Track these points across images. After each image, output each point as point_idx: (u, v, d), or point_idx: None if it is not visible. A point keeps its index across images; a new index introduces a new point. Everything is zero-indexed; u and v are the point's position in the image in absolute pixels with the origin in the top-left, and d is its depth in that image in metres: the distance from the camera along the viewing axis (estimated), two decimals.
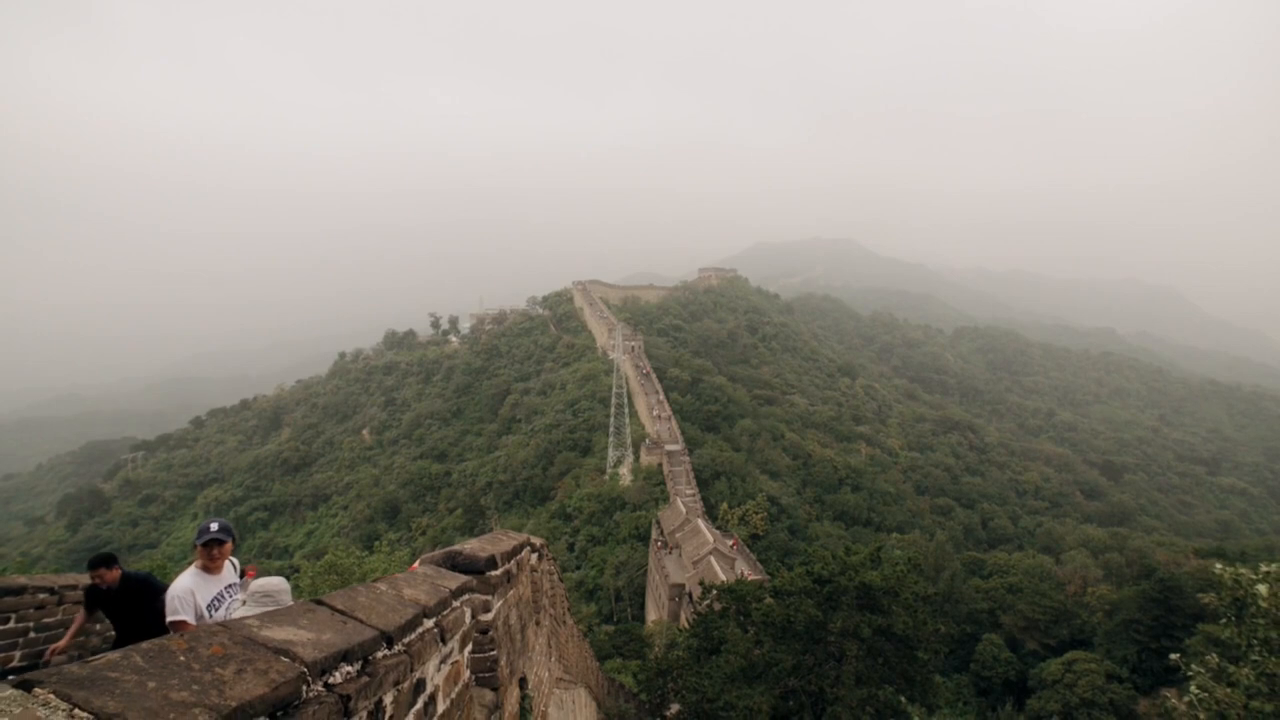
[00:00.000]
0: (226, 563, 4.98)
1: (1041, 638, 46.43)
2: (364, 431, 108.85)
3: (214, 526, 4.89)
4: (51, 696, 0.96)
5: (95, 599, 5.89)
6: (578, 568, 58.49)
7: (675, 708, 20.91)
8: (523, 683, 4.73)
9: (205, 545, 4.78)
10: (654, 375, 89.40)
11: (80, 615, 6.16)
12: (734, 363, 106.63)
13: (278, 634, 1.37)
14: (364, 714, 1.55)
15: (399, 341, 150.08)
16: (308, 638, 1.41)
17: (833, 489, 72.79)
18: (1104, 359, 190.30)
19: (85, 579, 6.25)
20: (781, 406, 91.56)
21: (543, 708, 5.79)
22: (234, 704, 1.07)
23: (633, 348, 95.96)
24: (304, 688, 1.28)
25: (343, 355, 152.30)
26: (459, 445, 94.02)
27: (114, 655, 1.11)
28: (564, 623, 10.03)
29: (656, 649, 32.17)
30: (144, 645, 1.13)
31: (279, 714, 1.20)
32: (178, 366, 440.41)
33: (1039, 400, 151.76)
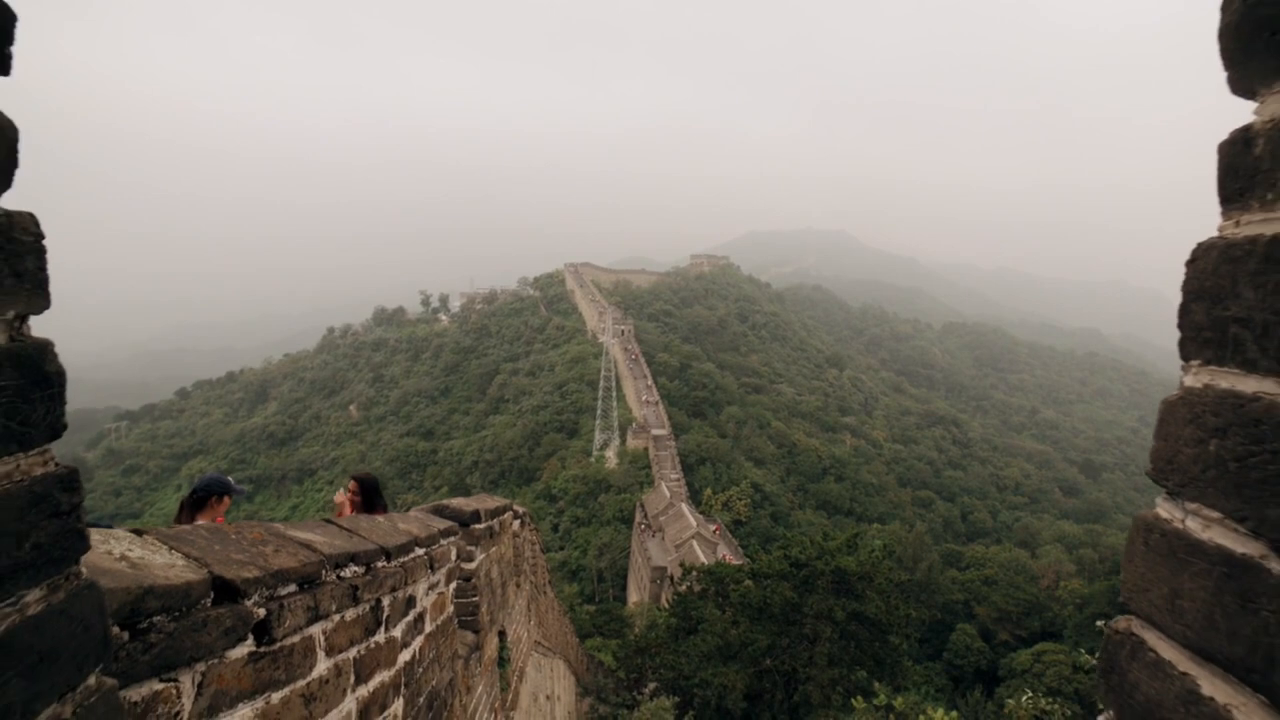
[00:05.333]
0: None
1: (1014, 629, 47.47)
2: (351, 407, 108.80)
3: (235, 482, 5.05)
4: (155, 540, 1.27)
5: None
6: (562, 548, 59.06)
7: (653, 685, 21.35)
8: (502, 635, 5.06)
9: (220, 500, 4.90)
10: (643, 360, 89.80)
11: None
12: (723, 350, 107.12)
13: (300, 534, 1.69)
14: (367, 606, 1.88)
15: (388, 318, 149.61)
16: (323, 540, 1.72)
17: (816, 478, 73.62)
18: (1088, 359, 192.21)
19: None
20: (769, 395, 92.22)
21: (520, 663, 6.12)
22: (275, 568, 1.38)
23: (623, 332, 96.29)
24: (323, 571, 1.59)
25: (331, 330, 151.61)
26: (446, 424, 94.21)
27: (185, 527, 1.41)
28: (544, 593, 10.38)
29: (637, 629, 32.67)
30: (202, 525, 1.47)
31: (305, 585, 1.52)
32: (163, 337, 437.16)
33: (1023, 398, 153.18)
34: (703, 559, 36.26)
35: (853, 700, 14.59)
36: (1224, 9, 0.64)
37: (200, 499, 4.80)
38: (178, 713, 1.13)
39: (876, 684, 16.05)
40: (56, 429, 0.76)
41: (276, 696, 1.42)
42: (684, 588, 25.05)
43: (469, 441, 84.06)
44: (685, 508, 52.21)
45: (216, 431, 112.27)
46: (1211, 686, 0.61)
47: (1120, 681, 0.76)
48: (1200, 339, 0.69)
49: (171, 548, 1.26)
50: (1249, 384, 0.60)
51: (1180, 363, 0.74)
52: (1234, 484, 0.61)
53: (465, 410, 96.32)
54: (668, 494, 56.25)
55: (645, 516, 52.99)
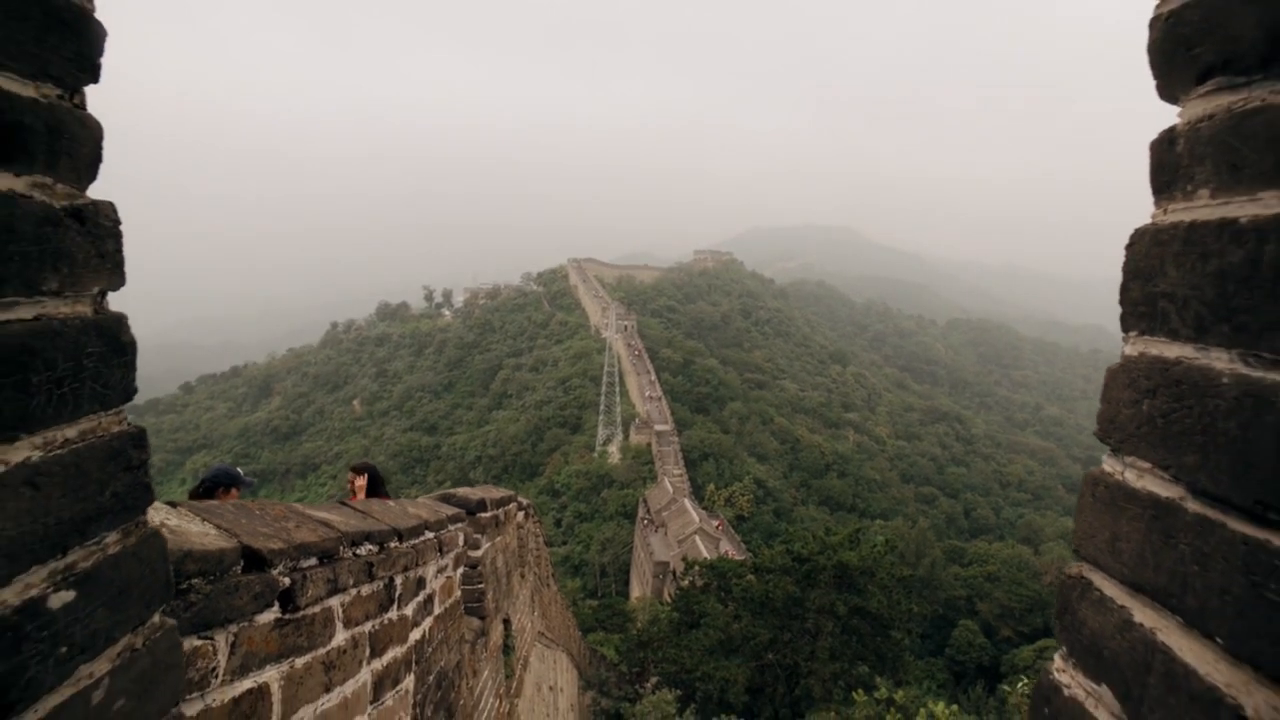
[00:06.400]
0: None
1: (1016, 625, 47.54)
2: (355, 402, 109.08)
3: (242, 473, 5.12)
4: (189, 511, 1.36)
5: None
6: (564, 543, 59.24)
7: (655, 679, 21.45)
8: (506, 623, 5.15)
9: (227, 492, 4.96)
10: (646, 355, 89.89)
11: None
12: (726, 346, 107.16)
13: (318, 514, 1.78)
14: (381, 584, 1.97)
15: (392, 313, 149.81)
16: (340, 520, 1.81)
17: (819, 474, 73.68)
18: (1093, 356, 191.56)
19: None
20: (772, 391, 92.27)
21: (524, 652, 6.21)
22: (298, 541, 1.46)
23: (626, 327, 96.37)
24: (341, 547, 1.68)
25: (335, 325, 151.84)
26: (449, 419, 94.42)
27: (213, 503, 1.49)
28: (548, 585, 10.47)
29: (639, 623, 32.78)
30: (229, 503, 1.55)
31: (324, 560, 1.61)
32: (167, 331, 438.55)
33: (1027, 394, 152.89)
34: (705, 554, 36.37)
35: (853, 694, 14.68)
36: (1150, 28, 0.73)
37: (208, 490, 4.86)
38: (214, 668, 1.23)
39: (878, 678, 16.15)
40: (129, 392, 0.84)
41: (300, 662, 1.51)
42: (686, 582, 25.17)
43: (472, 437, 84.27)
44: (688, 503, 52.33)
45: (220, 426, 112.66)
46: (1141, 614, 0.70)
47: (1072, 620, 0.84)
48: (1136, 313, 0.77)
49: (204, 519, 1.35)
50: (1173, 350, 0.69)
51: (1121, 335, 0.82)
52: (1160, 437, 0.69)
53: (468, 405, 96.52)
54: (670, 489, 56.38)
55: (648, 512, 53.13)
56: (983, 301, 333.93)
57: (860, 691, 14.32)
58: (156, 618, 0.90)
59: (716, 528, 47.68)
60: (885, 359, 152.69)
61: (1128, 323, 0.80)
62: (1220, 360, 0.63)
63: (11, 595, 0.66)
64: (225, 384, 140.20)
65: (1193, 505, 0.66)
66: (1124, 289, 0.81)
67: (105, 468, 0.78)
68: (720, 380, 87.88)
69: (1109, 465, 0.83)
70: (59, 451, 0.71)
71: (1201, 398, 0.65)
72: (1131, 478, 0.76)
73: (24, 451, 0.68)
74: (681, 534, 44.97)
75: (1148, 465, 0.73)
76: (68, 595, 0.71)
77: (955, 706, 12.40)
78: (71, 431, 0.74)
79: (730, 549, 42.14)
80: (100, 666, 0.76)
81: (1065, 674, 0.86)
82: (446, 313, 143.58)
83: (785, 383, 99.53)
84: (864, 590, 20.61)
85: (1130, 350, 0.80)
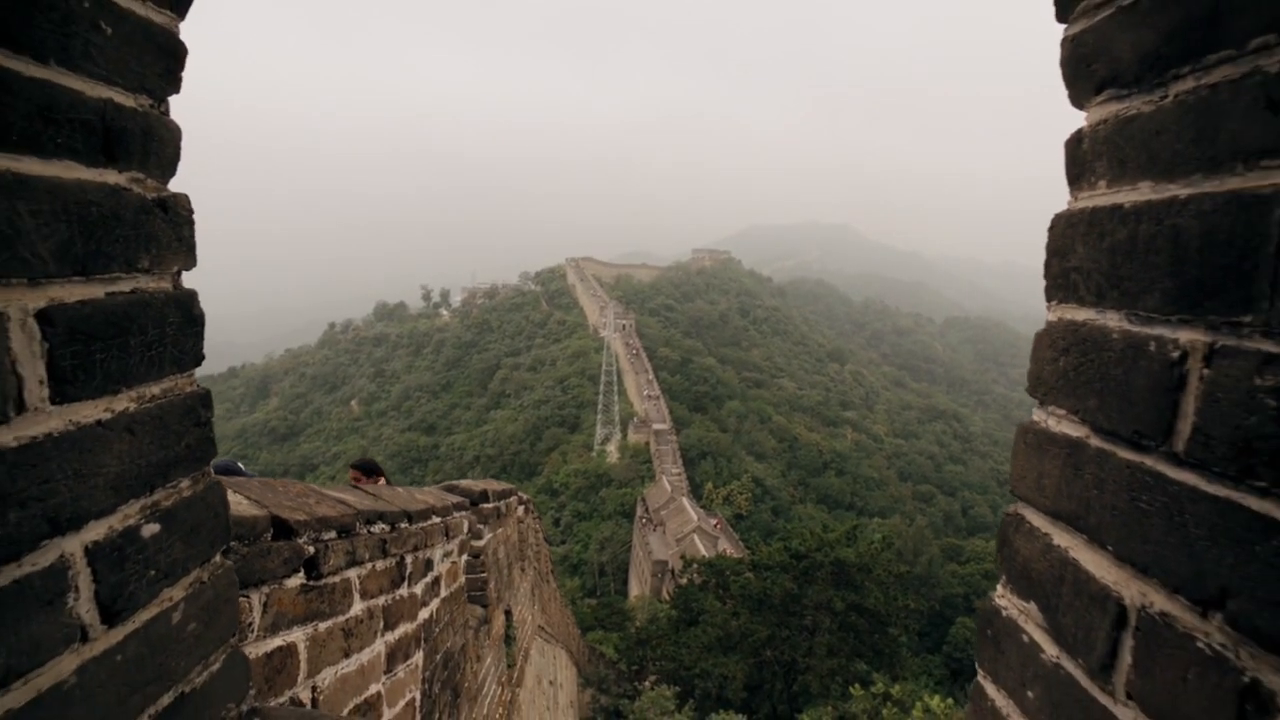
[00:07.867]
0: None
1: None
2: (353, 403, 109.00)
3: (244, 467, 5.19)
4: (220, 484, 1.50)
5: None
6: (563, 542, 59.26)
7: (653, 677, 21.52)
8: (508, 614, 5.25)
9: None
10: (644, 354, 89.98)
11: None
12: (724, 344, 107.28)
13: (334, 494, 1.90)
14: (393, 561, 2.09)
15: (389, 313, 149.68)
16: (355, 500, 1.93)
17: (817, 472, 73.80)
18: None
19: None
20: (770, 389, 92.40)
21: (525, 644, 6.31)
22: (320, 514, 1.59)
23: (624, 326, 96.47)
24: (357, 524, 1.80)
25: (332, 325, 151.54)
26: (447, 419, 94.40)
27: (241, 479, 1.60)
28: (547, 581, 10.57)
29: (638, 622, 32.88)
30: (254, 479, 1.66)
31: (343, 534, 1.72)
32: None
33: (1025, 392, 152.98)
34: (704, 553, 36.49)
35: (851, 689, 14.78)
36: (1061, 46, 0.87)
37: None
38: (250, 623, 1.36)
39: (875, 674, 16.25)
40: (199, 359, 0.99)
41: (323, 626, 1.63)
42: (685, 580, 25.28)
43: (470, 436, 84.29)
44: (686, 502, 52.45)
45: (218, 427, 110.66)
46: (1059, 538, 0.83)
47: (1009, 551, 0.97)
48: (1056, 284, 0.90)
49: (234, 490, 1.46)
50: (1081, 314, 0.82)
51: (1046, 304, 0.94)
52: (1072, 387, 0.83)
53: (467, 405, 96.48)
54: (669, 488, 56.49)
55: (646, 511, 53.24)
56: (981, 299, 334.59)
57: (858, 686, 14.42)
58: (218, 557, 1.03)
59: (715, 526, 47.79)
60: (883, 357, 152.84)
61: (1049, 293, 0.92)
62: (1112, 320, 0.77)
63: (116, 522, 0.79)
64: (222, 385, 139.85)
65: (1094, 441, 0.79)
66: (1046, 265, 0.93)
67: (182, 421, 0.93)
68: (718, 379, 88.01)
69: (1036, 415, 0.95)
70: (148, 405, 0.85)
71: (1100, 351, 0.78)
72: (1052, 424, 0.90)
73: (124, 403, 0.81)
74: (680, 532, 45.09)
75: (1064, 412, 0.87)
76: (155, 528, 0.86)
77: (951, 700, 12.51)
78: (156, 389, 0.87)
79: (728, 547, 42.26)
80: (178, 592, 0.91)
81: (1004, 598, 0.99)
82: (444, 312, 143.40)
83: (783, 381, 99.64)
84: (861, 587, 20.70)
85: (1051, 316, 0.92)
